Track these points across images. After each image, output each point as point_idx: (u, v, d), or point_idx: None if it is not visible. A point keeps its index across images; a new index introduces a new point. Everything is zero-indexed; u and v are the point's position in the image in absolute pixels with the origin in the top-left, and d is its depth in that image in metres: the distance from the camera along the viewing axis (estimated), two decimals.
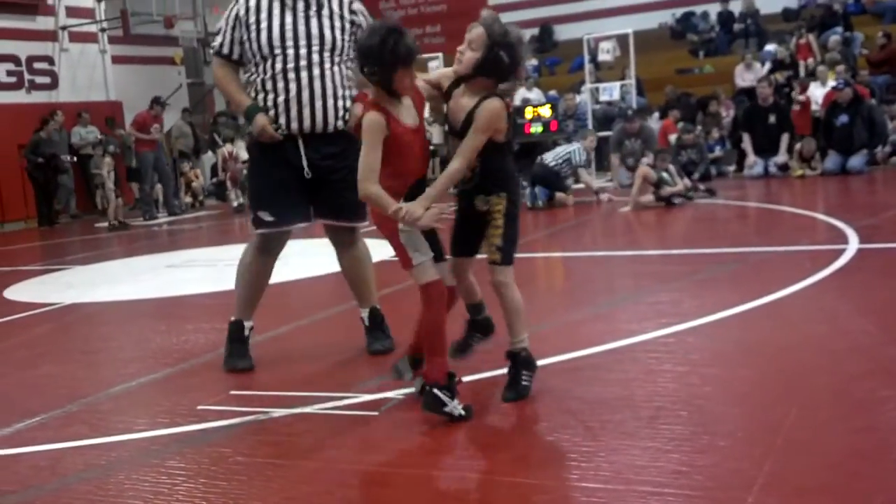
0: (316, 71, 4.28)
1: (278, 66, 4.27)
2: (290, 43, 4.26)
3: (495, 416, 3.48)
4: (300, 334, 5.32)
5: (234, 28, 4.36)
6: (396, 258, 3.64)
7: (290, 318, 5.65)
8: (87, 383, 4.55)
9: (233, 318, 4.59)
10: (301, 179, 4.35)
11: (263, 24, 4.27)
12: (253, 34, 4.29)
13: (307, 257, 7.26)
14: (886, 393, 3.36)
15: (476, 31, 3.46)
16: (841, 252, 6.14)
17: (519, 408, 3.55)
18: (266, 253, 4.54)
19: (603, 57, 15.36)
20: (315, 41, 4.28)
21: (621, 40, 14.61)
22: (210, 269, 8.01)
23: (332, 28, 4.32)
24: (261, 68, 4.31)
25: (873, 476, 2.67)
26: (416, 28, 23.37)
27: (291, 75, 4.26)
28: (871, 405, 3.27)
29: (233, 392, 4.11)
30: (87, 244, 12.48)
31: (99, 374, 4.82)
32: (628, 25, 15.65)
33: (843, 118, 11.91)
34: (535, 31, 21.18)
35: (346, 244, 4.64)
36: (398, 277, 4.60)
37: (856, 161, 11.79)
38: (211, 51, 4.46)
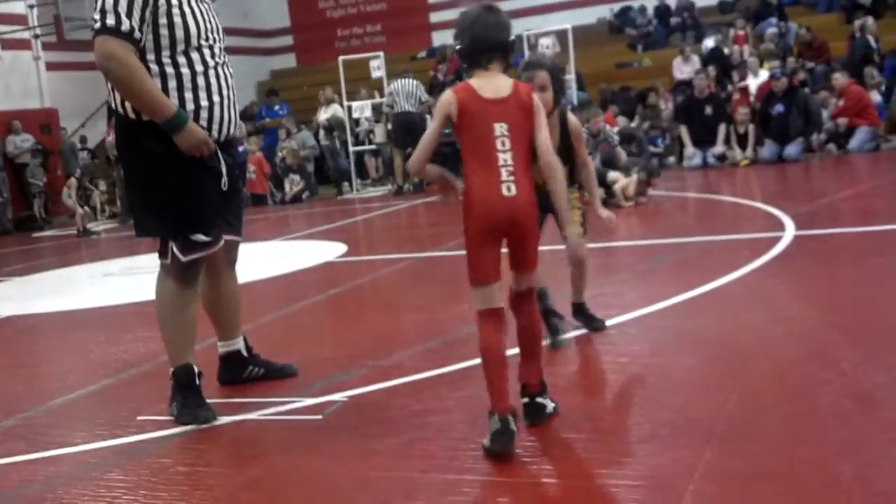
0: (231, 69, 3.84)
1: (210, 60, 3.69)
2: (213, 35, 3.72)
3: (439, 415, 3.47)
4: None
5: (143, 6, 3.52)
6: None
7: None
8: (25, 397, 4.45)
9: (176, 366, 3.80)
10: (219, 191, 3.80)
11: (187, 9, 3.61)
12: (177, 19, 3.56)
13: (247, 261, 7.18)
14: (824, 377, 3.41)
15: (541, 75, 4.06)
16: (778, 239, 6.24)
17: (464, 404, 3.55)
18: (192, 281, 3.81)
19: (542, 52, 15.42)
20: (223, 35, 3.82)
21: (560, 36, 14.67)
22: (149, 277, 7.81)
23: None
24: (182, 60, 3.61)
25: (812, 460, 2.71)
26: (356, 27, 23.33)
27: (221, 71, 3.73)
28: (809, 389, 3.31)
29: None
30: (24, 255, 12.24)
31: (37, 387, 4.71)
32: (567, 21, 15.76)
33: (779, 107, 12.11)
34: None
35: (230, 263, 4.11)
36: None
37: (792, 149, 12.00)
38: (98, 27, 3.52)
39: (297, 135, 15.90)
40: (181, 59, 3.61)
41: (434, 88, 17.16)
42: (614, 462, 2.83)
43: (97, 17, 3.53)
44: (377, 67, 15.52)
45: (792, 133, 12.08)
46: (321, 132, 16.30)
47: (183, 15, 3.58)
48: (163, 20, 3.55)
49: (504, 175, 3.10)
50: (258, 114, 18.40)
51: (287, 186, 15.26)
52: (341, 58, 15.94)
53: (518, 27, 17.75)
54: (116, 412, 3.97)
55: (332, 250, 8.55)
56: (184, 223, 3.67)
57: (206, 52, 3.67)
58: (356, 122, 16.20)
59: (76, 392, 4.42)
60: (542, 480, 2.79)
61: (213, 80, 3.69)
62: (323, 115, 16.38)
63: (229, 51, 3.91)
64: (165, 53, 3.59)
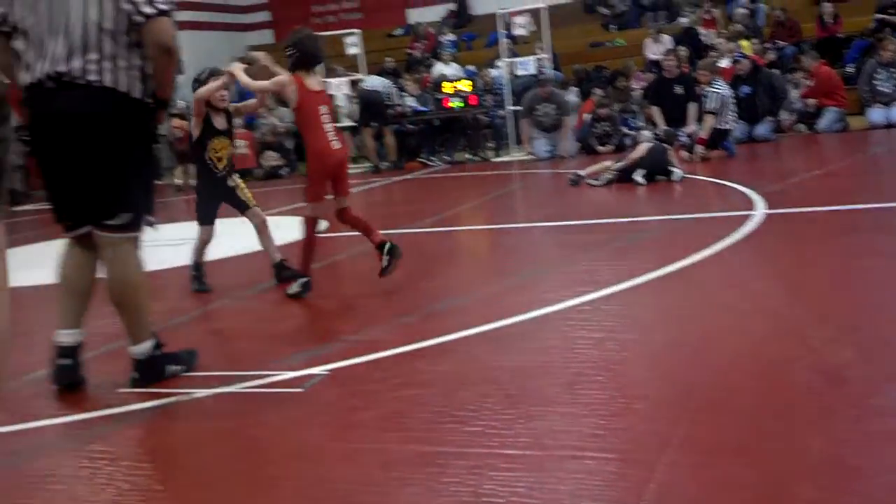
0: None
1: None
2: None
3: (417, 388, 3.52)
4: (223, 314, 5.29)
5: None
6: None
7: (213, 298, 5.62)
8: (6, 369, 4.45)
9: (151, 339, 3.96)
10: None
11: None
12: None
13: (227, 236, 7.19)
14: (794, 353, 3.49)
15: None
16: (749, 217, 6.33)
17: (440, 378, 3.60)
18: None
19: (518, 31, 15.40)
20: None
21: (535, 15, 14.67)
22: None
23: None
24: None
25: (783, 435, 2.78)
26: (332, 3, 23.16)
27: None
28: (779, 365, 3.39)
29: None
30: (4, 228, 12.14)
31: (19, 359, 4.65)
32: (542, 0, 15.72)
33: (745, 89, 12.22)
34: (452, 6, 21.15)
35: None
36: None
37: (762, 129, 12.12)
38: (160, 10, 3.71)
39: (275, 111, 15.80)
40: None
41: (411, 66, 17.11)
42: (589, 435, 2.90)
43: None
44: (353, 44, 15.45)
45: (760, 113, 12.21)
46: None
47: None
48: None
49: (331, 137, 5.16)
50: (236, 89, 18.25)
51: (264, 162, 15.20)
52: (317, 34, 15.83)
53: (493, 5, 17.64)
54: (98, 385, 3.99)
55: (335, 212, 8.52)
56: (149, 203, 3.96)
57: None
58: (332, 99, 16.10)
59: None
60: (517, 452, 2.85)
61: None
62: None
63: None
64: None
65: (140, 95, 3.76)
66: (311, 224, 5.25)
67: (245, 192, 5.81)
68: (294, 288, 5.29)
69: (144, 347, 3.90)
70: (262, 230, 5.82)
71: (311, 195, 5.20)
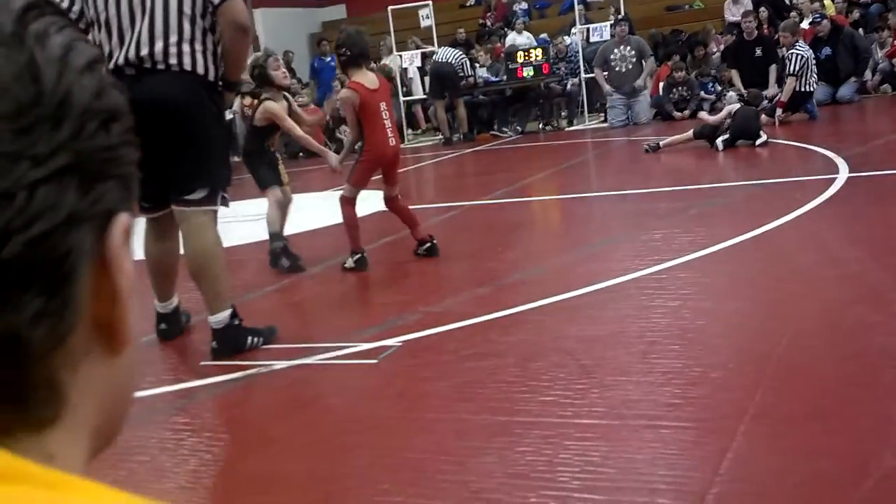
0: None
1: None
2: None
3: (490, 359, 3.53)
4: (298, 288, 5.36)
5: None
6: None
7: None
8: None
9: (229, 309, 3.98)
10: None
11: None
12: None
13: (303, 211, 7.27)
14: (876, 319, 3.41)
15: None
16: (831, 181, 6.17)
17: (513, 348, 3.61)
18: None
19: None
20: None
21: None
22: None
23: None
24: None
25: (863, 401, 2.73)
26: None
27: None
28: (860, 331, 3.32)
29: None
30: None
31: None
32: None
33: (826, 50, 11.89)
34: None
35: None
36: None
37: (845, 90, 11.77)
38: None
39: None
40: None
41: (482, 37, 17.02)
42: (665, 404, 2.88)
43: None
44: (426, 17, 15.41)
45: (842, 74, 11.86)
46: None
47: None
48: None
49: (389, 134, 5.30)
50: (311, 65, 18.38)
51: (339, 136, 15.31)
52: (390, 7, 15.84)
53: None
54: (180, 358, 4.10)
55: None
56: (227, 179, 4.11)
57: None
58: (405, 72, 16.11)
59: (141, 339, 4.53)
60: (592, 421, 2.84)
61: None
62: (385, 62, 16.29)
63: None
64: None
65: (214, 78, 3.87)
66: (348, 203, 5.36)
67: (283, 169, 5.98)
68: (349, 263, 5.36)
69: (223, 317, 3.98)
70: (283, 205, 5.87)
71: (355, 180, 5.34)
